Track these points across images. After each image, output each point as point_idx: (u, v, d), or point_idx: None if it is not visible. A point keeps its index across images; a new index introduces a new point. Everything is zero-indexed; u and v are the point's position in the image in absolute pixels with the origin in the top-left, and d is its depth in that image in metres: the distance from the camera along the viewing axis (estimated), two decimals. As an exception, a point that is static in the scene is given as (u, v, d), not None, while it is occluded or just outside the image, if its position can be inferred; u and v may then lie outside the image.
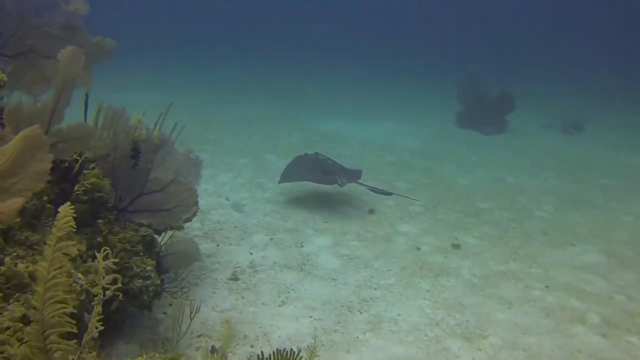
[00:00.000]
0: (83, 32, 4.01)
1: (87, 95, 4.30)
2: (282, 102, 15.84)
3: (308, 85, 20.00)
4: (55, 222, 2.00)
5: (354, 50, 32.75)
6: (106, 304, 3.10)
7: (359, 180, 6.81)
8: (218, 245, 5.05)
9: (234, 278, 4.41)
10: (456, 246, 5.51)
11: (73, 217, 2.00)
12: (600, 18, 40.64)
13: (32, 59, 3.90)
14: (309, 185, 7.16)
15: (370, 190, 6.59)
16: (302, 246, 5.21)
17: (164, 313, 3.73)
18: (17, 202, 2.11)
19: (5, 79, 3.09)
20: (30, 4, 3.88)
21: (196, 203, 3.63)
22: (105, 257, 2.17)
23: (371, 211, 6.46)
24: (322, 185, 6.76)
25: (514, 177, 8.81)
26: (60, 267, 2.44)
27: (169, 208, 3.30)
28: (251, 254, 4.94)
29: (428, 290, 4.51)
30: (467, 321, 4.05)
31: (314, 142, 10.30)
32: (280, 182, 6.58)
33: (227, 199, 6.41)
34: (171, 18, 39.45)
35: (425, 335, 3.82)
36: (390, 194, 6.72)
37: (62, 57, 2.75)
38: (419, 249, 5.39)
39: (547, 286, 4.75)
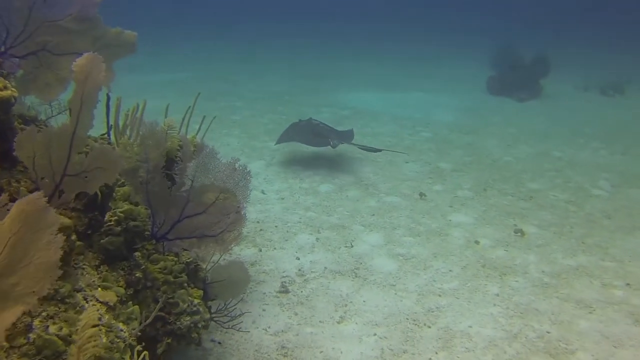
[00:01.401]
0: (100, 23, 3.56)
1: (108, 97, 3.88)
2: (306, 74, 15.28)
3: (334, 59, 19.38)
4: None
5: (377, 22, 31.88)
6: (151, 344, 2.76)
7: (352, 142, 7.13)
8: (260, 251, 4.66)
9: (284, 290, 4.03)
10: (517, 237, 5.06)
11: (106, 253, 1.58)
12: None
13: (45, 58, 3.46)
14: (349, 171, 6.74)
15: (361, 148, 6.83)
16: (352, 246, 4.81)
17: (212, 341, 3.38)
18: (8, 317, 1.59)
19: (16, 93, 2.66)
20: None
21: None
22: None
23: (421, 196, 6.02)
24: (316, 147, 7.19)
25: (559, 151, 8.26)
26: (97, 325, 2.08)
27: (215, 234, 2.88)
28: (298, 259, 4.55)
29: (497, 295, 4.09)
30: (548, 332, 3.63)
31: (343, 118, 9.81)
32: (276, 143, 7.18)
33: (263, 192, 6.00)
34: None
35: (505, 353, 3.42)
36: (379, 150, 6.86)
37: (78, 68, 2.28)
38: (477, 242, 4.96)
39: (627, 284, 4.29)
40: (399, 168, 7.04)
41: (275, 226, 5.14)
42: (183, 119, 4.52)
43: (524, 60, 13.22)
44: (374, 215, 5.51)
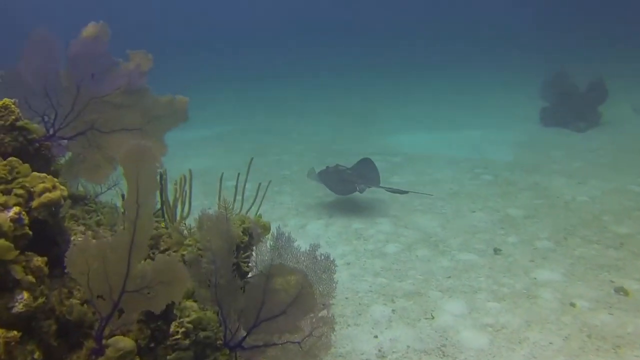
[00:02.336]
0: (148, 94, 3.33)
1: (161, 176, 3.63)
2: (349, 119, 15.07)
3: (372, 101, 19.20)
4: None
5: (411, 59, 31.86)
6: None
7: (380, 185, 7.11)
8: (334, 329, 4.25)
9: (368, 378, 3.61)
10: (619, 296, 4.50)
11: None
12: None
13: (94, 137, 3.24)
14: (415, 227, 6.31)
15: (387, 190, 6.90)
16: (433, 317, 4.35)
17: None
18: None
19: (66, 192, 2.41)
20: (86, 70, 3.20)
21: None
22: None
23: (496, 251, 5.53)
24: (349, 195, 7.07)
25: (637, 184, 7.62)
26: None
27: (298, 340, 2.51)
28: (376, 336, 4.12)
29: (614, 373, 3.55)
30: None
31: (396, 166, 9.44)
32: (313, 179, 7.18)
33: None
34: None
35: None
36: (405, 192, 6.83)
37: (127, 164, 1.99)
38: (573, 305, 4.42)
39: None
40: (466, 219, 6.57)
41: (346, 298, 4.74)
42: (236, 187, 4.23)
43: (579, 87, 12.60)
44: (449, 277, 5.05)
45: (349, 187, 6.88)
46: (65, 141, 3.20)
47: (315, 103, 18.71)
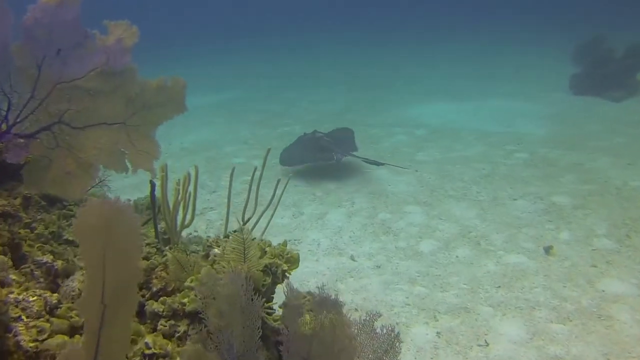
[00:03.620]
0: (135, 75, 2.45)
1: (152, 185, 2.80)
2: (363, 85, 14.13)
3: (388, 62, 18.21)
4: None
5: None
6: None
7: (353, 153, 7.03)
8: None
9: None
10: None
11: None
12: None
13: (62, 134, 2.39)
14: (451, 218, 5.52)
15: (363, 161, 6.80)
16: (487, 344, 3.61)
17: None
18: None
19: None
20: (48, 45, 2.34)
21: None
22: None
23: (548, 251, 4.76)
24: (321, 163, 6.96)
25: (696, 166, 6.79)
26: None
27: None
28: (422, 371, 3.39)
29: None
30: None
31: (421, 140, 8.58)
32: (281, 164, 7.01)
33: (352, 258, 4.87)
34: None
35: None
36: (382, 164, 6.64)
37: (85, 236, 1.14)
38: (657, 330, 3.67)
39: None
40: (506, 208, 5.78)
41: (379, 314, 3.99)
42: (250, 187, 3.39)
43: (615, 52, 11.59)
44: (499, 287, 4.28)
45: (326, 155, 6.77)
46: (23, 140, 2.37)
47: (329, 72, 17.70)
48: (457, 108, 10.90)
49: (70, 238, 2.74)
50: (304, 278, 4.48)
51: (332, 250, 5.03)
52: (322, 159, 6.80)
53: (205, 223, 5.70)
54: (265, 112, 11.30)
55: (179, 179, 3.15)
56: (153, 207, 2.66)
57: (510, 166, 7.15)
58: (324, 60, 19.88)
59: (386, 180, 6.69)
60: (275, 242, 2.50)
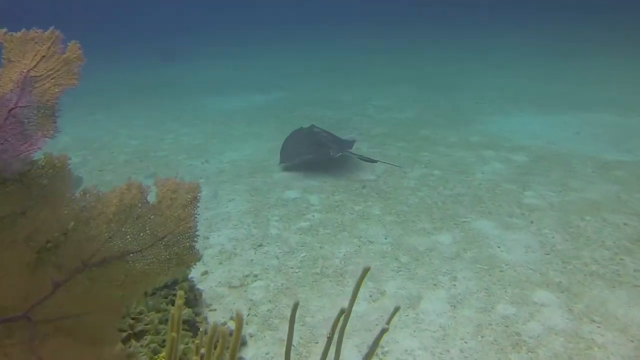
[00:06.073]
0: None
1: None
2: (432, 86, 12.23)
3: (452, 58, 16.25)
4: None
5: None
6: None
7: (350, 150, 6.89)
8: None
9: None
10: None
11: None
12: None
13: None
14: (606, 317, 3.66)
15: (359, 158, 6.64)
16: None
17: None
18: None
19: None
20: None
21: None
22: None
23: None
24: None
25: None
26: None
27: None
28: None
29: None
30: None
31: (522, 171, 6.61)
32: (280, 163, 7.04)
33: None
34: None
35: None
36: (375, 161, 6.58)
37: None
38: None
39: None
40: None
41: None
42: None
43: None
44: None
45: (323, 151, 6.65)
46: None
47: (391, 69, 15.86)
48: (550, 122, 8.89)
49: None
50: None
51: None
52: (318, 153, 6.69)
53: (247, 304, 4.05)
54: (319, 120, 9.57)
55: (206, 328, 1.67)
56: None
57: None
58: (382, 56, 18.05)
59: (493, 238, 4.88)
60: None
